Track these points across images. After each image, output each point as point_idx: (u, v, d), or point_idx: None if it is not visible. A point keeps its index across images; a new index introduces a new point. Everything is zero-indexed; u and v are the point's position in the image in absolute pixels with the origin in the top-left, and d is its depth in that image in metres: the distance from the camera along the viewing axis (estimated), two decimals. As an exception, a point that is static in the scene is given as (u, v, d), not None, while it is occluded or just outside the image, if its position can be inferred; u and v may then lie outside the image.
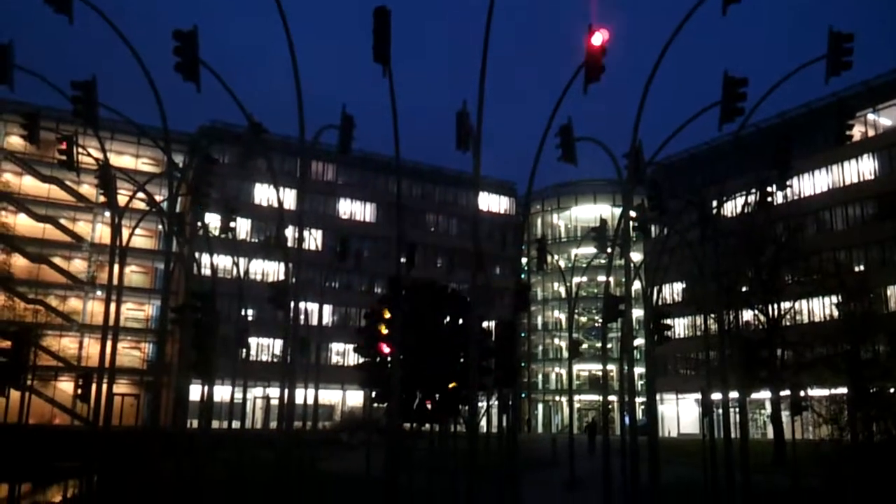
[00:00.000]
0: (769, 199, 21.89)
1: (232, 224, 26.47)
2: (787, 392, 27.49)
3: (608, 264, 23.48)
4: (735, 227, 35.14)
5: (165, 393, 47.88)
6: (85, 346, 61.30)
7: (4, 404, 17.72)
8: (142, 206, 29.80)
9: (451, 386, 29.87)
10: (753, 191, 23.75)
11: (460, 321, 31.97)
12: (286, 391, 18.95)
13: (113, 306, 22.98)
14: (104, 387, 21.42)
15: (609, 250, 24.70)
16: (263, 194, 69.92)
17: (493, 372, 20.53)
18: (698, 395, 31.48)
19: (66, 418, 56.19)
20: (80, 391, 22.82)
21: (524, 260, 71.47)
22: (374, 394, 35.10)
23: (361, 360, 35.23)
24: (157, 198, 28.28)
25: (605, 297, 22.22)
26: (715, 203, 23.41)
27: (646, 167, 20.37)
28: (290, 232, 24.13)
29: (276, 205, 22.08)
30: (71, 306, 63.18)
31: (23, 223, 61.00)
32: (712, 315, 26.62)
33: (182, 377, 35.16)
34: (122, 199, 24.07)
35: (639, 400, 34.33)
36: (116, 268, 23.43)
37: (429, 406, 31.25)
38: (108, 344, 22.42)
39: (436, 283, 34.83)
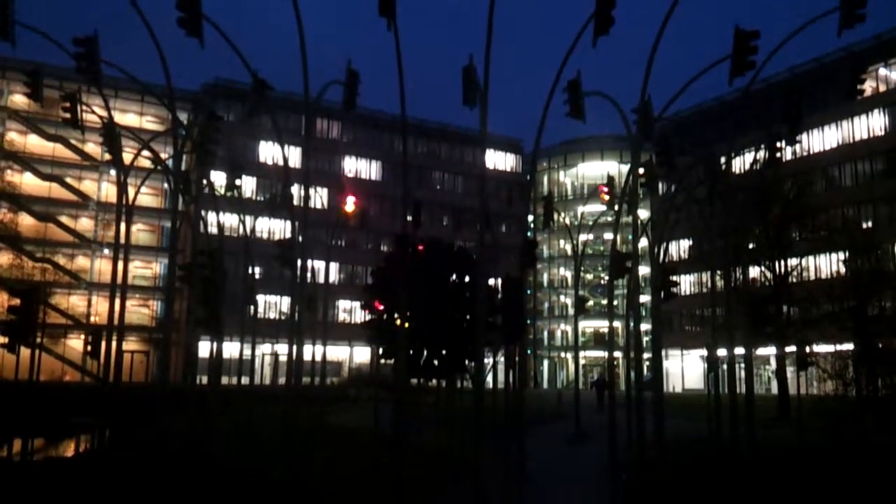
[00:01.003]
0: (778, 155, 21.69)
1: (237, 182, 26.39)
2: (792, 348, 27.58)
3: (615, 221, 23.37)
4: (743, 183, 34.90)
5: (174, 350, 48.36)
6: (93, 304, 61.81)
7: (15, 361, 17.90)
8: (147, 164, 29.75)
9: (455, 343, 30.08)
10: (762, 147, 23.51)
11: (467, 278, 32.06)
12: (294, 348, 19.12)
13: (120, 264, 23.08)
14: (113, 344, 21.61)
15: (616, 207, 24.54)
16: (269, 152, 69.61)
17: (500, 328, 20.63)
18: (703, 352, 31.61)
19: (76, 375, 56.88)
20: (89, 348, 23.05)
21: (531, 217, 71.39)
22: (381, 350, 35.40)
23: (368, 316, 35.46)
24: (163, 156, 28.19)
25: (612, 254, 22.17)
26: (723, 159, 23.21)
27: (654, 123, 20.13)
28: (295, 190, 24.05)
29: (281, 163, 21.98)
30: (79, 265, 63.58)
31: (29, 182, 61.02)
32: (719, 272, 26.61)
33: (191, 334, 35.53)
34: (127, 158, 23.97)
35: (644, 356, 34.49)
36: (123, 226, 23.46)
37: (436, 362, 31.50)
38: (117, 302, 22.58)
39: (442, 240, 34.87)
